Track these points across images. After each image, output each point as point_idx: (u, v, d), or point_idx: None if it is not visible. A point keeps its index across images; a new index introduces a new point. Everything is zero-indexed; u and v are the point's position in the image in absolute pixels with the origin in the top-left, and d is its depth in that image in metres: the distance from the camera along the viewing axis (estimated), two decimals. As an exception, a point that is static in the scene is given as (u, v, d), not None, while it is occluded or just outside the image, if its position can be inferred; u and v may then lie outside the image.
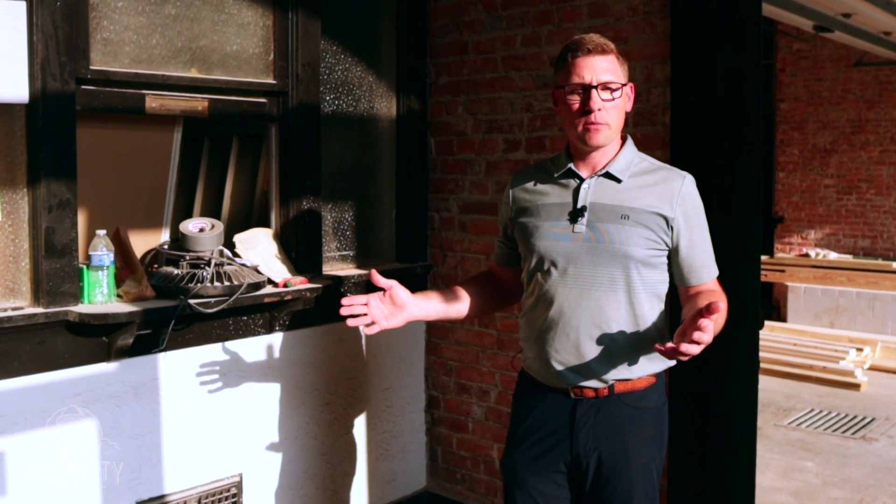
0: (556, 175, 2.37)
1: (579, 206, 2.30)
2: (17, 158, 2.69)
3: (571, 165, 2.34)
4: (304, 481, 3.49)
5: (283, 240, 3.44)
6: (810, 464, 5.03)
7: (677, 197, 2.28)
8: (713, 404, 3.08)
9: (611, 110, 2.25)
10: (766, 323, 8.46)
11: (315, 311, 3.46)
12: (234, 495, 3.24)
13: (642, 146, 3.21)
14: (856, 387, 6.76)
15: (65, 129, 2.75)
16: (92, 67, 2.83)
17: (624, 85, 2.27)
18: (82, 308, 2.76)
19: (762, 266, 8.81)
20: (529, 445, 2.40)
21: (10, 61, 2.62)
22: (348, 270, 3.69)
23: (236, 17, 3.23)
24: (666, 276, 2.35)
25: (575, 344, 2.28)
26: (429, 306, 2.47)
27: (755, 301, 3.23)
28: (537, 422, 2.39)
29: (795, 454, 5.19)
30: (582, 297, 2.27)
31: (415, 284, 3.90)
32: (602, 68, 2.24)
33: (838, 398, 6.53)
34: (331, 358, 3.57)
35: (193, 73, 3.12)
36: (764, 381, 5.34)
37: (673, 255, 2.32)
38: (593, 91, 2.22)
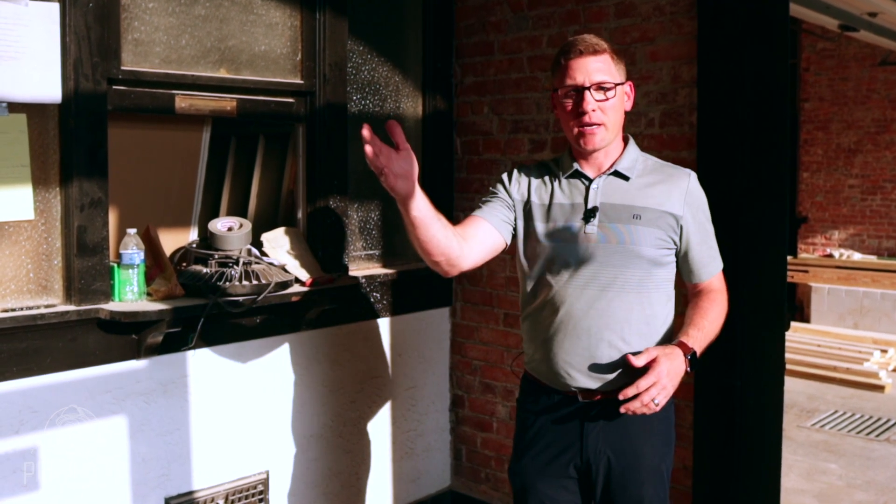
0: (563, 176, 2.35)
1: (590, 206, 2.28)
2: (50, 158, 2.73)
3: (577, 166, 2.32)
4: (329, 479, 3.52)
5: (309, 239, 3.46)
6: (834, 465, 5.00)
7: (685, 195, 2.28)
8: (739, 405, 3.07)
9: (607, 111, 2.23)
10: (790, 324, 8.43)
11: (341, 310, 3.48)
12: (260, 492, 3.26)
13: (669, 147, 3.23)
14: (880, 388, 6.71)
15: (96, 129, 2.78)
16: (123, 68, 2.86)
17: (619, 84, 2.25)
18: (113, 306, 2.79)
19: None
20: (539, 451, 2.36)
21: (43, 62, 2.65)
22: (374, 270, 3.71)
23: (264, 17, 3.26)
24: (673, 274, 2.34)
25: (586, 347, 2.25)
26: (423, 204, 2.14)
27: (781, 302, 3.22)
28: (545, 427, 2.36)
29: (819, 456, 5.17)
30: (594, 299, 2.25)
31: (440, 284, 3.92)
32: (595, 69, 2.22)
33: (862, 400, 6.49)
34: (356, 357, 3.59)
35: (222, 74, 3.15)
36: (787, 383, 5.29)
37: (681, 253, 2.32)
38: (586, 92, 2.21)
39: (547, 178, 2.39)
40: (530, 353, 2.40)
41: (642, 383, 2.09)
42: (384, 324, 3.71)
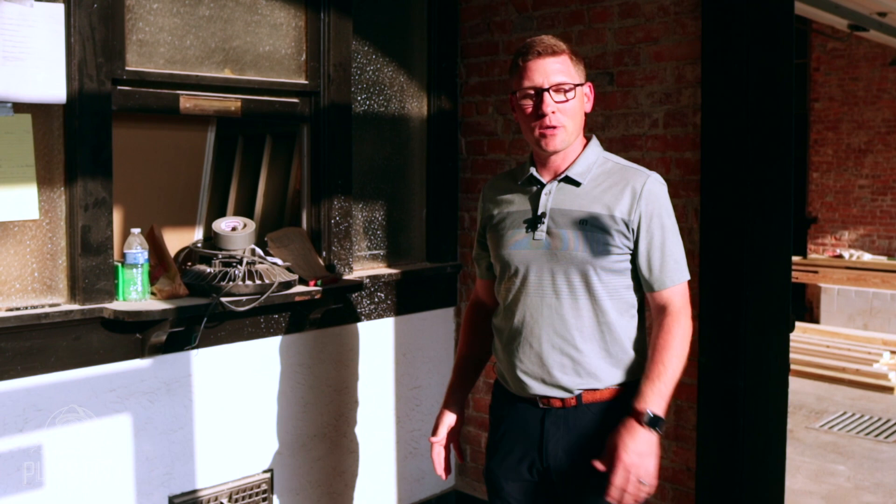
0: (519, 182, 2.34)
1: (539, 212, 2.26)
2: (54, 158, 2.74)
3: (533, 171, 2.31)
4: (333, 478, 3.52)
5: (314, 239, 3.47)
6: (842, 467, 4.98)
7: (639, 198, 2.22)
8: (742, 406, 3.07)
9: (566, 112, 2.20)
10: (799, 324, 8.39)
11: (345, 310, 3.49)
12: (264, 491, 3.27)
13: (673, 147, 3.23)
14: (889, 390, 6.68)
15: (101, 129, 2.79)
16: (127, 68, 2.88)
17: (579, 85, 2.23)
18: (117, 305, 2.80)
19: (795, 267, 8.74)
20: (504, 455, 2.37)
21: (48, 62, 2.67)
22: (379, 269, 3.72)
23: (269, 17, 3.27)
24: (637, 283, 2.30)
25: (538, 354, 2.24)
26: (466, 394, 2.58)
27: (786, 303, 3.21)
28: (510, 431, 2.36)
29: (827, 457, 5.15)
30: (543, 306, 2.24)
31: (445, 284, 3.92)
32: (553, 70, 2.19)
33: (871, 401, 6.46)
34: (360, 356, 3.60)
35: (227, 74, 3.16)
36: (796, 383, 5.30)
37: (634, 259, 2.26)
38: (545, 94, 2.18)
39: (508, 186, 2.39)
40: (496, 359, 2.42)
41: (614, 493, 2.11)
42: (388, 324, 3.72)
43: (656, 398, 2.15)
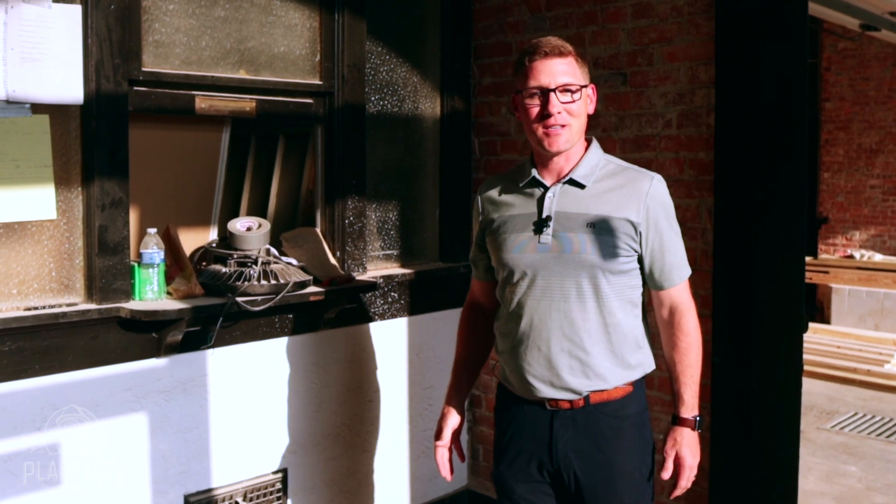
0: (521, 185, 2.33)
1: (544, 215, 2.26)
2: (72, 158, 2.76)
3: (535, 173, 2.30)
4: (346, 477, 3.54)
5: (328, 239, 3.48)
6: (853, 468, 4.98)
7: (644, 199, 2.24)
8: (755, 407, 3.07)
9: (572, 113, 2.21)
10: (810, 325, 8.37)
11: (359, 310, 3.50)
12: (278, 490, 3.28)
13: (686, 148, 3.23)
14: (900, 391, 6.67)
15: (117, 130, 2.81)
16: (144, 69, 2.90)
17: (583, 87, 2.24)
18: (133, 305, 2.82)
19: (806, 268, 8.70)
20: (513, 457, 2.38)
21: (65, 63, 2.69)
22: (392, 269, 3.73)
23: (283, 18, 3.28)
24: (639, 281, 2.32)
25: (546, 357, 2.25)
26: (466, 395, 2.62)
27: (799, 303, 3.21)
28: (518, 434, 2.37)
29: (838, 458, 5.14)
30: (551, 309, 2.24)
31: (458, 284, 3.93)
32: (560, 70, 2.20)
33: (883, 402, 6.44)
34: (374, 356, 3.61)
35: (242, 75, 3.17)
36: (807, 384, 5.27)
37: (643, 259, 2.28)
38: (552, 94, 2.19)
39: (507, 188, 2.38)
40: (501, 363, 2.41)
41: (680, 493, 2.35)
42: (402, 323, 3.73)
43: (695, 400, 2.35)
